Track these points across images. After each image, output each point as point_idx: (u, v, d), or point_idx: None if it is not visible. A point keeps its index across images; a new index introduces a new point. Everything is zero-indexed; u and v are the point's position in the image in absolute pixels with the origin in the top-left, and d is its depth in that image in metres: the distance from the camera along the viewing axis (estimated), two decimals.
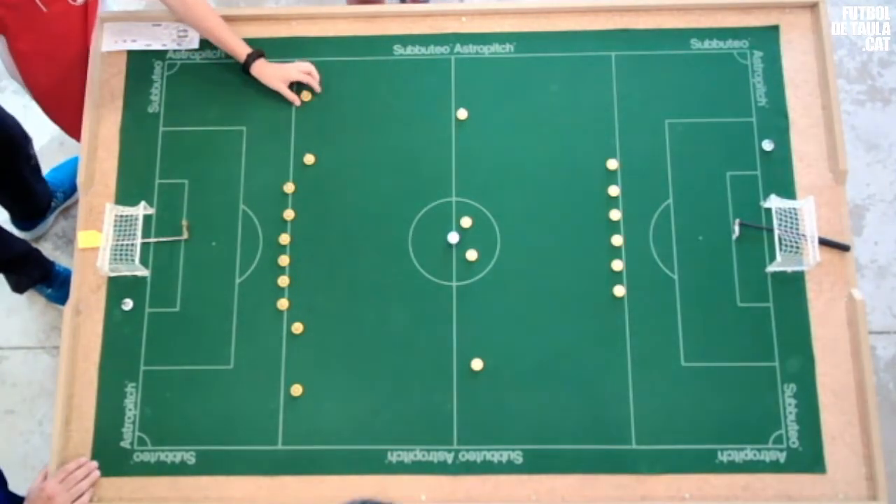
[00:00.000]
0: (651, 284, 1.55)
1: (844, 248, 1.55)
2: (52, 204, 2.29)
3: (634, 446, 1.48)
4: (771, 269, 1.55)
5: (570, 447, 1.48)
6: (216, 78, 1.69)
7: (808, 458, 1.46)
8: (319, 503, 1.47)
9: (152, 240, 1.60)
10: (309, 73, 1.66)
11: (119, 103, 1.68)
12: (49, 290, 2.24)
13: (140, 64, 1.71)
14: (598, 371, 1.51)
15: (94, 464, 1.48)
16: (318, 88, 1.67)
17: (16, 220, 2.28)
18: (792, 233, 1.52)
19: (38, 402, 2.19)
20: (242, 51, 1.65)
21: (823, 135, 1.62)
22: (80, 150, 1.65)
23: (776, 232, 1.53)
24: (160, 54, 1.71)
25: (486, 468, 1.48)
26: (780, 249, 1.51)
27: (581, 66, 1.67)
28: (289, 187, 1.62)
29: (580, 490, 1.46)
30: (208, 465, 1.49)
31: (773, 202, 1.56)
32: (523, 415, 1.50)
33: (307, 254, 1.59)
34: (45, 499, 1.42)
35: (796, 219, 1.53)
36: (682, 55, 1.67)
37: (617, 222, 1.58)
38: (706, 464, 1.46)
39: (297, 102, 1.67)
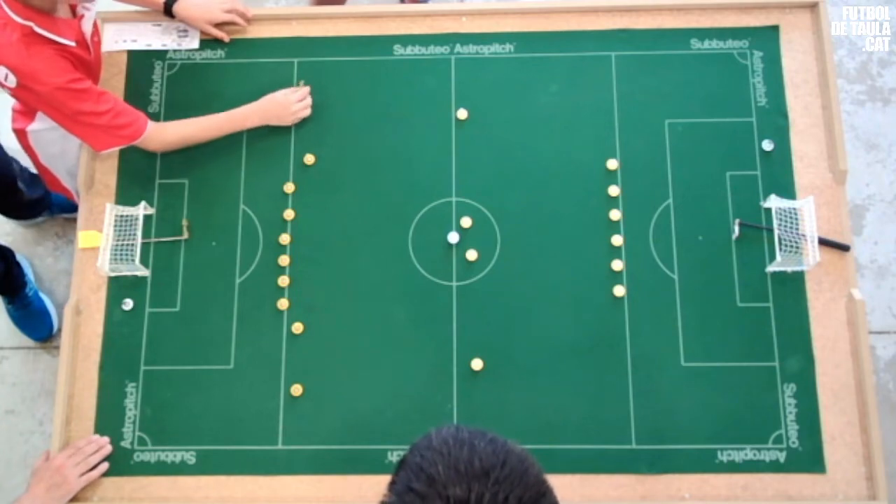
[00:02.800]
0: (651, 284, 1.55)
1: (844, 248, 1.55)
2: (43, 214, 2.26)
3: (634, 446, 1.48)
4: (771, 269, 1.55)
5: (569, 447, 1.48)
6: (216, 78, 1.69)
7: (808, 458, 1.46)
8: (319, 503, 1.47)
9: (152, 240, 1.60)
10: (232, 10, 1.66)
11: None
12: (9, 306, 2.17)
13: (140, 64, 1.71)
14: (598, 371, 1.51)
15: (106, 439, 1.49)
16: (243, 23, 1.68)
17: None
18: (792, 233, 1.52)
19: (38, 402, 2.19)
20: None
21: (823, 135, 1.62)
22: (80, 153, 1.65)
23: (776, 232, 1.53)
24: (160, 54, 1.71)
25: None
26: (780, 249, 1.51)
27: (581, 66, 1.67)
28: (289, 187, 1.62)
29: (580, 489, 1.46)
30: (208, 465, 1.49)
31: (773, 202, 1.56)
32: (523, 414, 1.49)
33: (307, 254, 1.59)
34: (52, 469, 1.43)
35: (796, 219, 1.53)
36: (682, 55, 1.67)
37: (617, 222, 1.58)
38: (706, 464, 1.46)
39: (226, 39, 1.68)
